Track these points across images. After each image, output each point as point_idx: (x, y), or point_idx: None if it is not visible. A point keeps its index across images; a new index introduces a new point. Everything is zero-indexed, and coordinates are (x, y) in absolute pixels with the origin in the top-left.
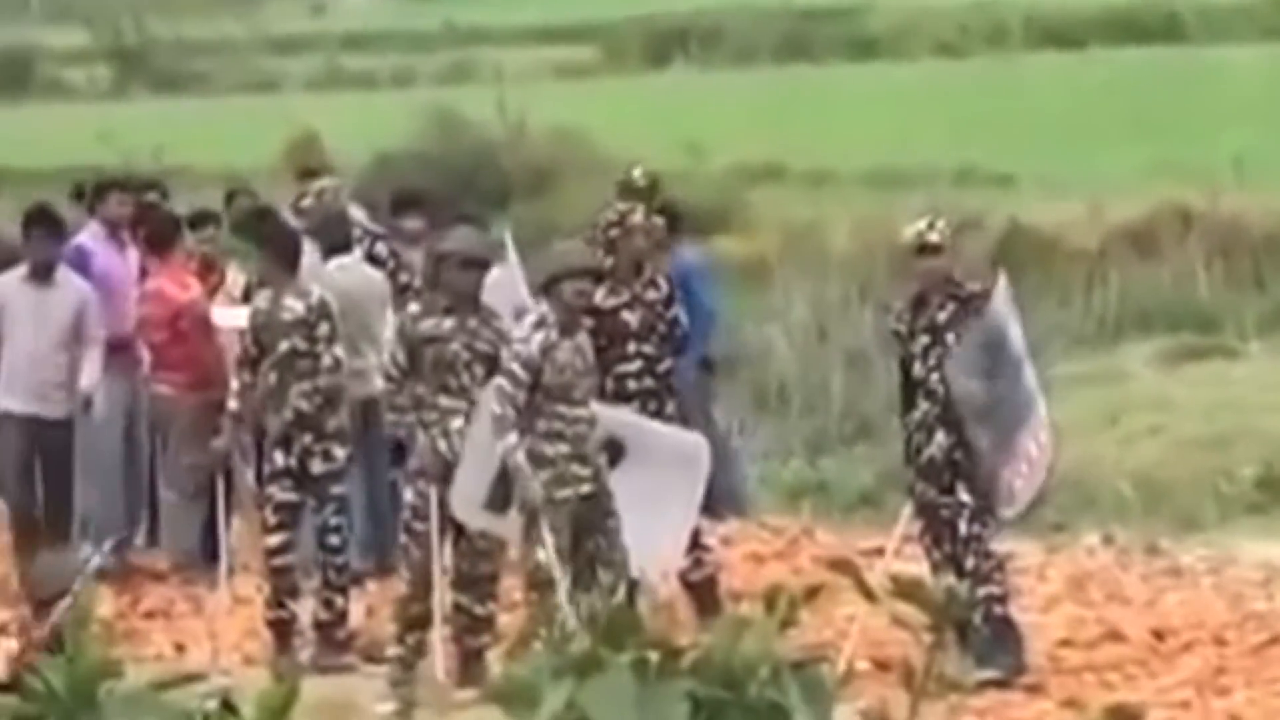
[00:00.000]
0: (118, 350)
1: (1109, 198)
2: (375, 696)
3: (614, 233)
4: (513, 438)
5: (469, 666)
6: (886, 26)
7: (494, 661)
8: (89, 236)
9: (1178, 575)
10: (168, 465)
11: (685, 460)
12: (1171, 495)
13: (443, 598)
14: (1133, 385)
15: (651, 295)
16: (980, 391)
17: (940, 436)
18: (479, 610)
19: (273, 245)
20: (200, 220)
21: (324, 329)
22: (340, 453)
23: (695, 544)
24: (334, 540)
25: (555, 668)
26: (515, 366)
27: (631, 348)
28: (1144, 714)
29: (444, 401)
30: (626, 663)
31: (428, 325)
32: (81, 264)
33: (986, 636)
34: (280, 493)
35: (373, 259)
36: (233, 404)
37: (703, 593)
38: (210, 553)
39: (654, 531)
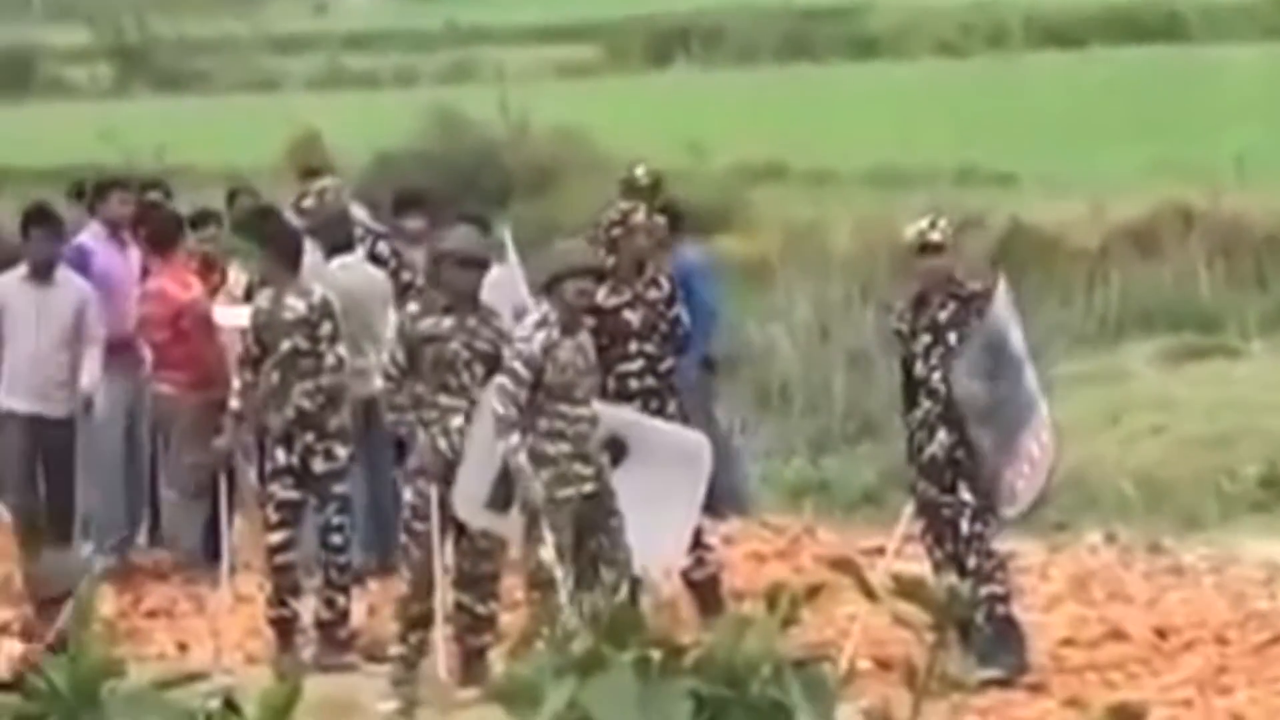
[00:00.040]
0: (119, 350)
1: (1110, 197)
2: (377, 695)
3: (616, 232)
4: (515, 438)
5: (471, 665)
6: (887, 26)
7: (496, 660)
8: (90, 236)
9: (1180, 574)
10: (170, 464)
11: (687, 459)
12: (1174, 494)
13: (444, 597)
14: (1135, 384)
15: (653, 294)
16: (982, 393)
17: (942, 435)
18: (481, 609)
19: (274, 244)
20: (202, 219)
21: (326, 328)
22: (342, 452)
23: (697, 543)
24: (336, 539)
25: (557, 667)
26: (517, 366)
27: (633, 347)
28: (1146, 713)
29: (444, 400)
30: (629, 661)
31: (427, 324)
32: (82, 263)
33: (989, 636)
34: (282, 491)
35: (375, 258)
36: (234, 403)
37: (705, 591)
38: (212, 552)
39: (656, 530)
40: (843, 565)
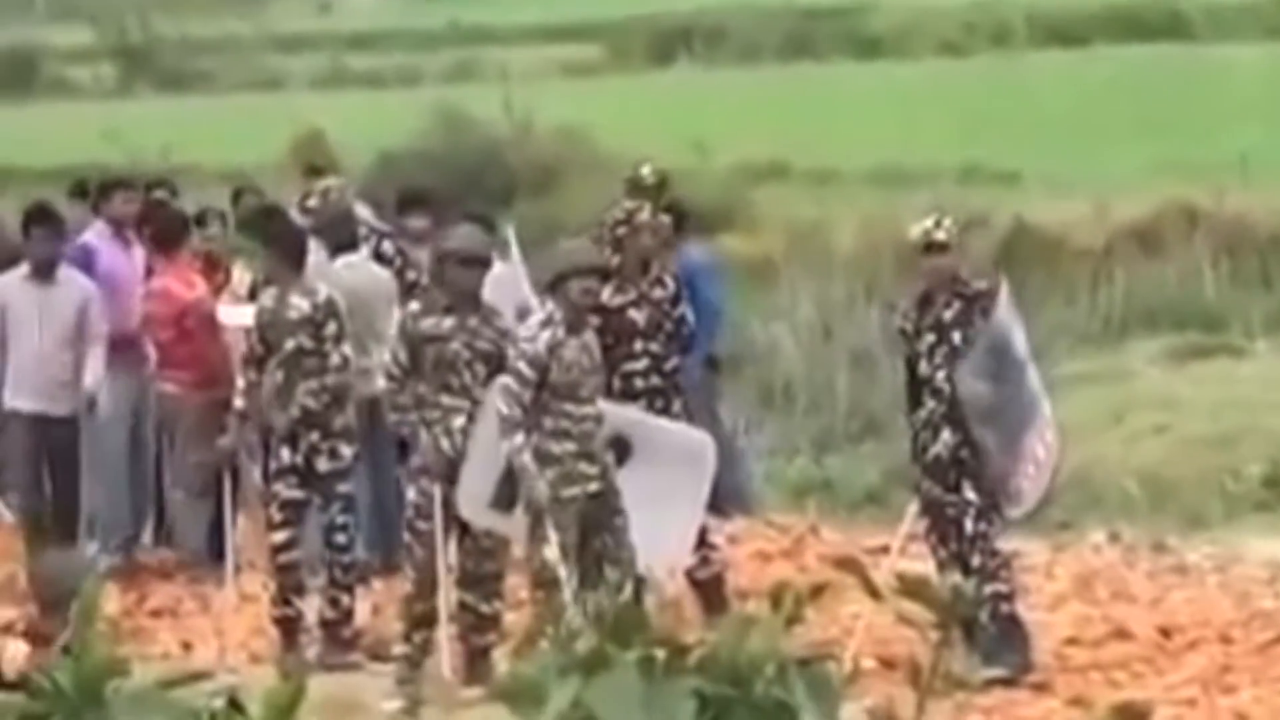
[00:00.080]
0: (123, 349)
1: (1114, 196)
2: (381, 694)
3: (621, 231)
4: (519, 438)
5: (475, 664)
6: (890, 25)
7: (500, 659)
8: (94, 235)
9: (1184, 573)
10: (174, 463)
11: (692, 458)
12: (1178, 493)
13: (448, 596)
14: (1138, 384)
15: (658, 293)
16: (986, 394)
17: (946, 435)
18: (485, 608)
19: (279, 243)
20: (206, 219)
21: (331, 327)
22: (347, 451)
23: (702, 542)
24: (340, 538)
25: (561, 666)
26: (522, 365)
27: (638, 346)
28: (1151, 712)
29: (446, 400)
30: (633, 660)
31: (428, 324)
32: (87, 262)
33: (993, 635)
34: (286, 490)
35: (379, 257)
36: (239, 402)
37: (709, 591)
38: (217, 551)
39: (661, 529)
40: (847, 564)
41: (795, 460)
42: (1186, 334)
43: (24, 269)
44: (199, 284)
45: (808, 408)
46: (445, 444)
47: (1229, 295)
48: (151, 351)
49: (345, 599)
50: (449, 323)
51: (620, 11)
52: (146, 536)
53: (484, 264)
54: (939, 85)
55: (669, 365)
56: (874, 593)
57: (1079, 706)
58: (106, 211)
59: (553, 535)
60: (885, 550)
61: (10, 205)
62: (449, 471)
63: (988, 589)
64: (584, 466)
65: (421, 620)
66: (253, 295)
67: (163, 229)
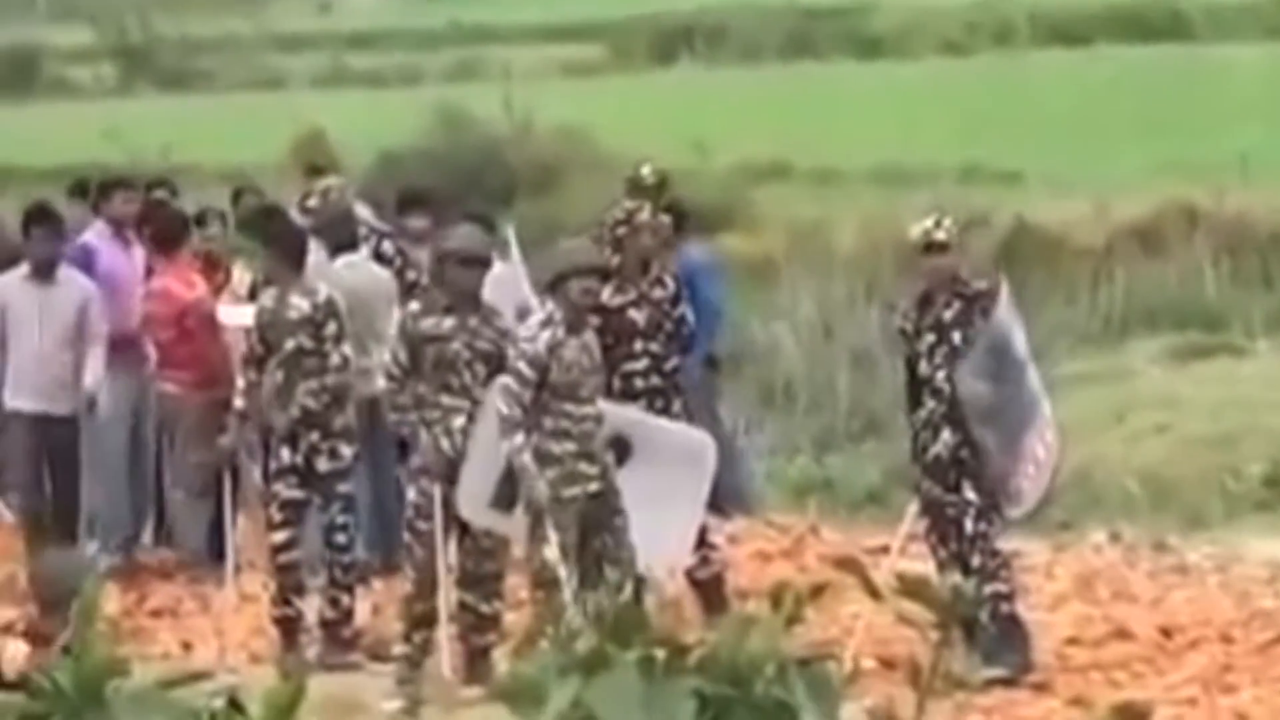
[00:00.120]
0: (123, 349)
1: (1115, 196)
2: (382, 694)
3: (621, 231)
4: (519, 438)
5: (475, 664)
6: (892, 25)
7: (500, 659)
8: (94, 235)
9: (1184, 573)
10: (174, 463)
11: (692, 458)
12: (1178, 493)
13: (448, 596)
14: (1139, 383)
15: (658, 293)
16: (986, 394)
17: (946, 434)
18: (485, 608)
19: (279, 243)
20: (206, 218)
21: (331, 327)
22: (347, 451)
23: (702, 542)
24: (340, 538)
25: (561, 666)
26: (522, 365)
27: (638, 346)
28: (1151, 712)
29: (445, 400)
30: (633, 660)
31: (428, 324)
32: (87, 262)
33: (993, 634)
34: (285, 490)
35: (379, 257)
36: (239, 402)
37: (709, 590)
38: (217, 551)
39: (661, 529)
40: (847, 564)
41: (796, 460)
42: (1187, 333)
43: (24, 269)
44: (199, 284)
45: (808, 407)
46: (445, 444)
47: (1229, 295)
48: (151, 351)
49: (345, 599)
50: (449, 323)
51: (621, 11)
52: (146, 536)
53: (484, 264)
54: (940, 85)
55: (669, 365)
56: (874, 593)
57: (1079, 706)
58: (106, 211)
59: (553, 535)
60: (885, 550)
61: (10, 205)
62: (449, 471)
63: (988, 589)
64: (584, 466)
65: (421, 620)
66: (253, 295)
67: (163, 229)
